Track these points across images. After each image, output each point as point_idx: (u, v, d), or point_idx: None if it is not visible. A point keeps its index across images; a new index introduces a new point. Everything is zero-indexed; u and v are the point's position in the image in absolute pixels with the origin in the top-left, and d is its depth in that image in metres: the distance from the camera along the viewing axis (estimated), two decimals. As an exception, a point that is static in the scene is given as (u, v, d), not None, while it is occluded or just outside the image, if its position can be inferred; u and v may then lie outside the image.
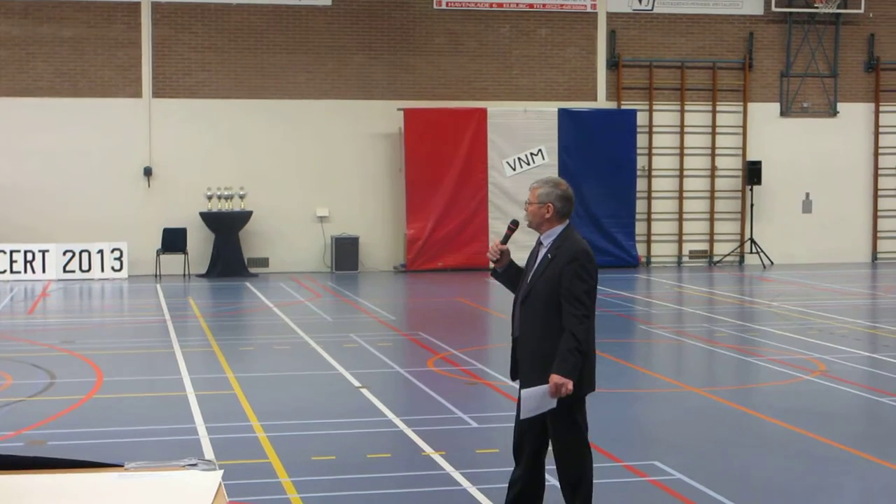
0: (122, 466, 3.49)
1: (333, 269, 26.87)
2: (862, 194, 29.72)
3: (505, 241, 7.40)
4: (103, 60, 26.45)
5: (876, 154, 29.67)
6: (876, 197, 29.74)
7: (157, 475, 3.44)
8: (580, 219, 27.19)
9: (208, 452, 9.68)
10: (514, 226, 7.51)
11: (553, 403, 6.91)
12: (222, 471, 3.50)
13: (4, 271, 25.28)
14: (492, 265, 7.47)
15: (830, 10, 28.94)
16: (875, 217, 29.78)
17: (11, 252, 25.38)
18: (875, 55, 29.41)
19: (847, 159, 29.52)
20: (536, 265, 7.15)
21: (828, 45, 29.33)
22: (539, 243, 7.26)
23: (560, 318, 6.97)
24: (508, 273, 7.40)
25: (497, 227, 26.87)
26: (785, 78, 29.21)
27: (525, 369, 7.10)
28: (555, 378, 6.84)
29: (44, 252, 25.48)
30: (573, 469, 7.11)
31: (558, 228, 7.21)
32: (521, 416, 7.01)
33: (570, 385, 6.85)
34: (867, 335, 17.27)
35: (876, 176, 29.71)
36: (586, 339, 6.96)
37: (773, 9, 28.78)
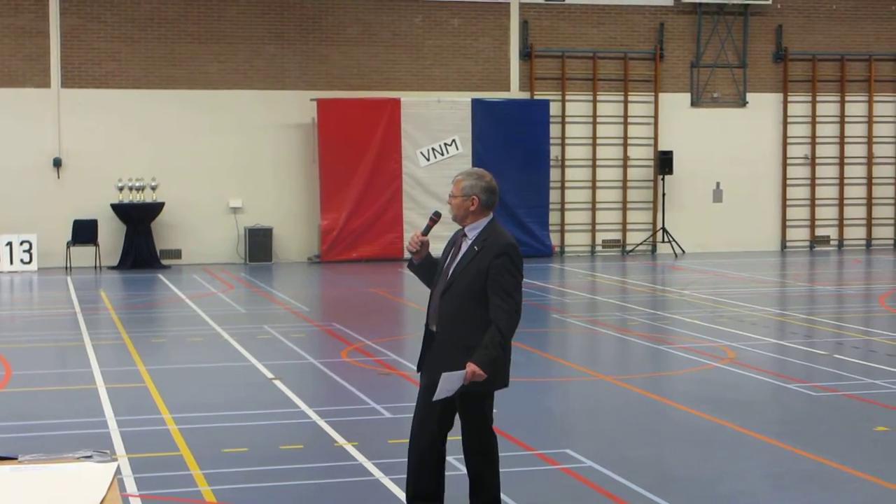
0: (15, 459, 3.45)
1: (247, 261, 26.72)
2: (771, 183, 30.16)
3: (426, 232, 7.32)
4: (11, 50, 26.01)
5: (785, 144, 30.12)
6: (785, 186, 30.20)
7: (50, 467, 3.40)
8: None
9: (118, 445, 9.59)
10: (436, 217, 7.39)
11: (457, 389, 6.92)
12: (117, 462, 3.45)
13: None
14: (409, 256, 7.38)
15: (739, 1, 29.30)
16: (784, 206, 30.24)
17: (-84, 245, 24.92)
18: (783, 46, 29.84)
19: (756, 149, 29.94)
20: (460, 257, 7.08)
21: (737, 36, 29.71)
22: (463, 235, 7.17)
23: (482, 311, 6.94)
24: (425, 265, 7.34)
25: (411, 218, 26.86)
26: (695, 68, 29.54)
27: (445, 360, 6.98)
28: (472, 366, 6.83)
29: (-50, 245, 25.06)
30: (481, 451, 7.16)
31: (483, 221, 7.15)
32: (435, 398, 6.91)
33: (483, 376, 6.85)
34: (776, 323, 17.55)
35: (785, 165, 30.17)
36: (511, 335, 6.98)
37: (683, 0, 29.09)
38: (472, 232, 7.11)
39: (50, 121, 26.20)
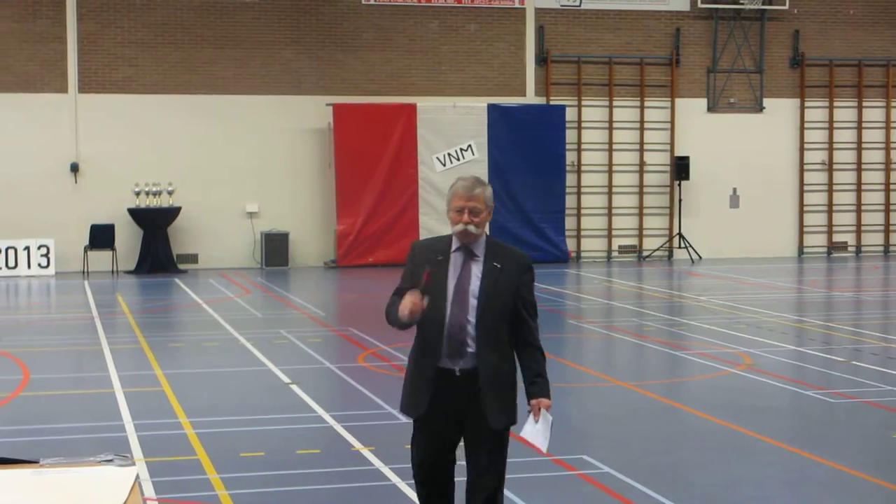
0: (37, 462, 3.47)
1: (263, 265, 26.76)
2: (788, 189, 30.09)
3: (423, 292, 6.11)
4: (28, 55, 26.12)
5: (801, 149, 30.06)
6: (802, 192, 30.13)
7: (72, 471, 3.42)
8: (510, 214, 27.31)
9: (136, 449, 9.61)
10: (430, 276, 6.14)
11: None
12: (138, 466, 3.47)
13: (-72, 268, 24.93)
14: (404, 321, 6.15)
15: (756, 7, 29.27)
16: (801, 212, 30.17)
17: (-65, 249, 25.05)
18: (800, 51, 29.79)
19: (773, 155, 29.88)
20: (483, 277, 6.13)
21: (753, 42, 29.67)
22: (471, 255, 6.19)
23: (509, 334, 6.18)
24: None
25: (427, 223, 26.89)
26: (711, 74, 29.50)
27: (494, 398, 6.11)
28: (545, 402, 6.15)
29: (-32, 249, 25.17)
30: (494, 489, 6.25)
31: (483, 234, 6.32)
32: (545, 449, 6.17)
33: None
34: (793, 329, 17.49)
35: (802, 171, 30.10)
36: None
37: (700, 5, 29.07)
38: (479, 248, 6.24)
39: (67, 126, 26.28)
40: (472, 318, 6.11)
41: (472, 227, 6.16)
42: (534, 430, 6.17)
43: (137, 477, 3.37)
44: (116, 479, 3.34)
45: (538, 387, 6.18)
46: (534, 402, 6.16)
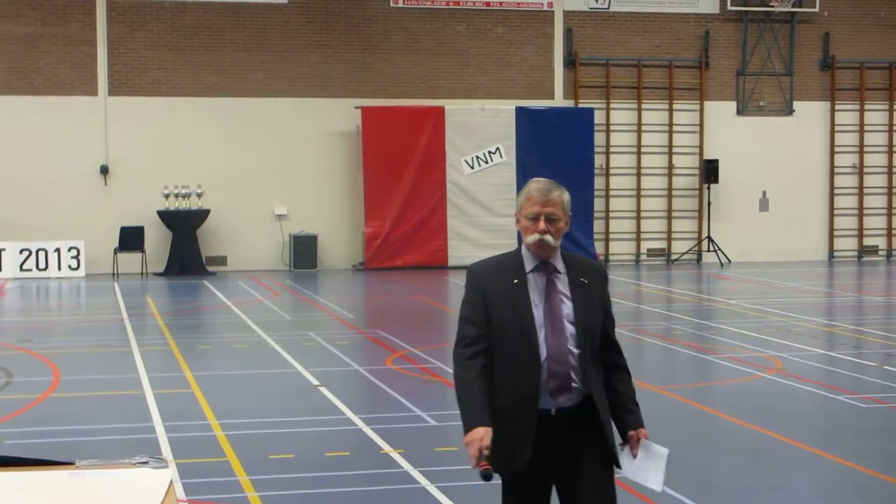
0: (72, 464, 3.48)
1: (292, 268, 26.82)
2: (818, 192, 29.95)
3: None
4: (58, 58, 26.27)
5: (832, 152, 29.91)
6: (832, 195, 29.98)
7: (107, 473, 3.43)
8: (538, 217, 27.23)
9: (166, 451, 9.63)
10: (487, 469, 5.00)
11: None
12: (173, 468, 3.49)
13: (-40, 270, 25.10)
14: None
15: (786, 9, 29.14)
16: (832, 215, 30.02)
17: (-33, 251, 25.22)
18: (830, 54, 29.65)
19: (803, 158, 29.74)
20: (573, 297, 5.29)
21: (783, 44, 29.54)
22: (552, 271, 5.34)
23: (601, 360, 5.38)
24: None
25: (455, 226, 26.96)
26: (741, 76, 29.39)
27: (604, 438, 5.33)
28: (643, 432, 5.39)
29: (0, 251, 25.27)
30: None
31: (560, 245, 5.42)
32: (660, 488, 5.30)
33: None
34: (824, 333, 17.40)
35: (832, 174, 29.96)
36: None
37: (729, 7, 28.96)
38: (559, 262, 5.38)
39: (97, 128, 26.42)
40: (573, 346, 5.24)
41: (549, 238, 5.27)
42: (642, 467, 5.31)
43: (172, 479, 3.38)
44: (152, 482, 3.35)
45: (635, 415, 5.39)
46: (633, 433, 5.35)
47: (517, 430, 5.17)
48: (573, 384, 5.22)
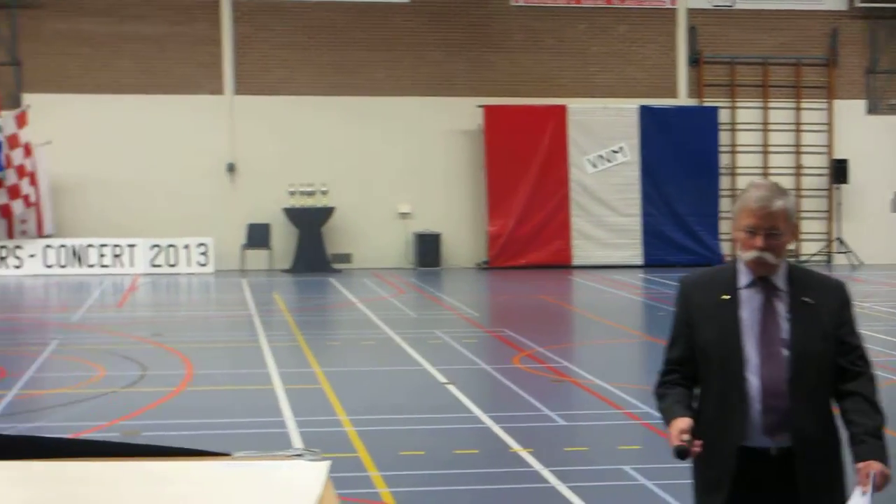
0: (229, 455, 3.52)
1: (416, 266, 26.97)
2: (950, 193, 29.24)
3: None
4: (185, 57, 26.77)
5: (965, 152, 29.18)
6: (964, 195, 29.26)
7: (264, 465, 3.47)
8: (663, 216, 27.08)
9: (297, 446, 9.76)
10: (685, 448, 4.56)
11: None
12: (330, 462, 3.54)
13: (94, 265, 25.72)
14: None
15: (918, 6, 28.52)
16: (964, 216, 29.29)
17: (101, 246, 25.82)
18: (964, 51, 28.94)
19: (936, 157, 29.04)
20: (791, 320, 4.65)
21: (915, 42, 28.92)
22: (770, 288, 4.70)
23: (828, 394, 4.73)
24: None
25: (579, 225, 26.88)
26: (871, 75, 28.81)
27: (811, 484, 4.66)
28: (876, 466, 4.50)
29: (132, 247, 25.88)
30: None
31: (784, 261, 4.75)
32: None
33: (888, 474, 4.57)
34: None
35: (965, 174, 29.22)
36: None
37: (857, 4, 28.40)
38: (781, 279, 4.72)
39: (223, 127, 26.85)
40: (790, 376, 4.63)
41: (768, 256, 4.62)
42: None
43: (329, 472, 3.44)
44: (309, 474, 3.41)
45: (868, 447, 4.56)
46: (861, 465, 4.54)
47: (719, 470, 4.67)
48: (789, 421, 4.62)
